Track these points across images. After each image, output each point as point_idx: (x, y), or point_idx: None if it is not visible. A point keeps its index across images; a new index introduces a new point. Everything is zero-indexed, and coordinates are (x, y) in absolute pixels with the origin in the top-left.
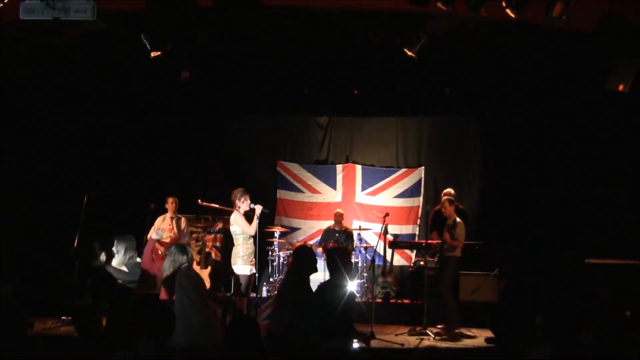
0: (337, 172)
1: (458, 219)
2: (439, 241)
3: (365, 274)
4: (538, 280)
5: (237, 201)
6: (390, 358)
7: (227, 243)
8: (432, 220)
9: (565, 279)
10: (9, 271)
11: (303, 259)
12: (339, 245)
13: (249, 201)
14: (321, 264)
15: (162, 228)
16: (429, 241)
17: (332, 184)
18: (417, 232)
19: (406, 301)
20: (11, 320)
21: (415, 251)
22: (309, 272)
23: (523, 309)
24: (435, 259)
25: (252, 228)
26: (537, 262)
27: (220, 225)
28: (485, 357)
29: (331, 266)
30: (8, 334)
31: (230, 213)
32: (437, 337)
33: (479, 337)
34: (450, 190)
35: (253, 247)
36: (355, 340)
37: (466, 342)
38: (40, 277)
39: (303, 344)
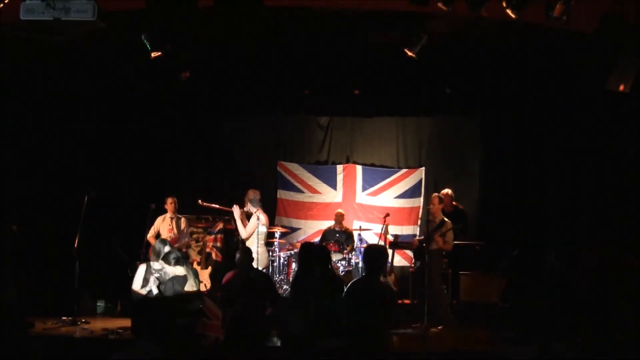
0: (338, 172)
1: (446, 219)
2: (421, 237)
3: None
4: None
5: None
6: (389, 357)
7: (228, 243)
8: None
9: (565, 278)
10: (9, 272)
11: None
12: (339, 245)
13: (249, 204)
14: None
15: None
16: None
17: (333, 184)
18: (417, 233)
19: (407, 301)
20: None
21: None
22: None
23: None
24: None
25: (245, 230)
26: (537, 261)
27: (220, 226)
28: (485, 356)
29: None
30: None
31: (229, 213)
32: (436, 337)
33: (478, 336)
34: (447, 190)
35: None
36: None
37: (466, 341)
38: (40, 277)
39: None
